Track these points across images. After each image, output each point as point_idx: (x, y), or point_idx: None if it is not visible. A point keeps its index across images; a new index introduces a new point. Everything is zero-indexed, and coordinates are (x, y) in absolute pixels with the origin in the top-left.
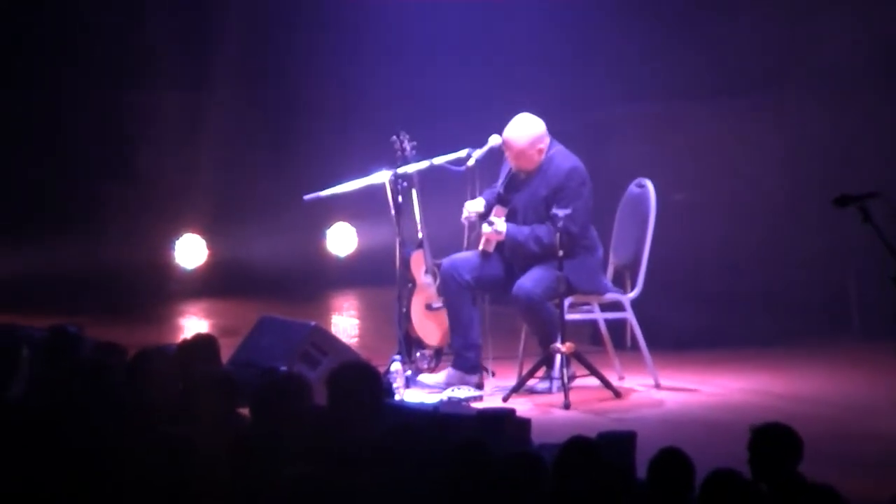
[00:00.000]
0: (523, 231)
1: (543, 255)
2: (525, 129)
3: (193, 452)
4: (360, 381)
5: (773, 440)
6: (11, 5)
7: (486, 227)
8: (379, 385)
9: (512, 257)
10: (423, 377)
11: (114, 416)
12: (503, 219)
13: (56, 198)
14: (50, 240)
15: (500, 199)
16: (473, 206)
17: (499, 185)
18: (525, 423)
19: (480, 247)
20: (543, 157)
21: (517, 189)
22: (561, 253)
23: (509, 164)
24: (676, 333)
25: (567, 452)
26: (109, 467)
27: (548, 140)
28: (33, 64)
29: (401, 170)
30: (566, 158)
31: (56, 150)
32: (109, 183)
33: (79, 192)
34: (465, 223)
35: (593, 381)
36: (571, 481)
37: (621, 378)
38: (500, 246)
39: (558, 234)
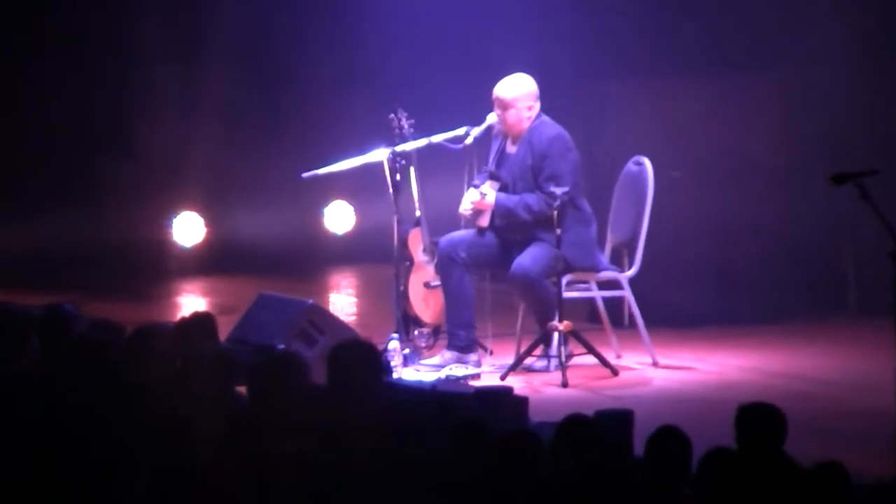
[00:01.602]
0: (513, 199)
1: (534, 224)
2: (516, 84)
3: (192, 431)
4: (359, 358)
5: (754, 419)
6: None
7: (475, 196)
8: (379, 363)
9: (504, 228)
10: (421, 361)
11: (111, 394)
12: (490, 187)
13: (54, 175)
14: (47, 217)
15: (492, 176)
16: (471, 200)
17: (490, 164)
18: (523, 402)
19: (475, 221)
20: (531, 123)
21: (506, 163)
22: (559, 231)
23: (498, 136)
24: (674, 311)
25: (564, 430)
26: (107, 445)
27: (538, 106)
28: (31, 39)
29: (399, 148)
30: (551, 128)
31: (53, 127)
32: (107, 160)
33: (76, 169)
34: (463, 216)
35: (591, 360)
36: (569, 459)
37: (619, 356)
38: (494, 221)
39: (555, 213)
